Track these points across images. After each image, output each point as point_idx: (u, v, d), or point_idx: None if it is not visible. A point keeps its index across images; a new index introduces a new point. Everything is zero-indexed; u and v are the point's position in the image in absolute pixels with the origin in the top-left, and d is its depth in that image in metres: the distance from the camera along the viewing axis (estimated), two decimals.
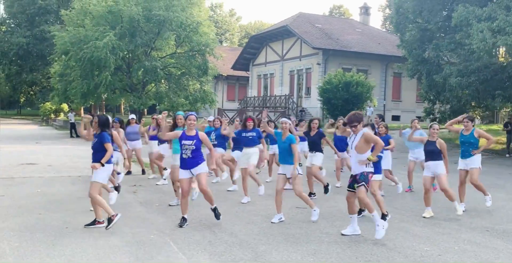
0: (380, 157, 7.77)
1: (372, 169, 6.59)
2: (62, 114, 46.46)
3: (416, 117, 21.07)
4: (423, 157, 8.94)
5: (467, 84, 15.98)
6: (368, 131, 6.76)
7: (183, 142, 7.01)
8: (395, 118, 38.36)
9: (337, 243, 6.23)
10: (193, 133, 7.07)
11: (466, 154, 8.69)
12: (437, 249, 6.06)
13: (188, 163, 7.02)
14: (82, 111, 59.08)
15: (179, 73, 28.42)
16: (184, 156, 7.02)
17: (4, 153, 16.48)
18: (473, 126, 8.93)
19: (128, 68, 27.55)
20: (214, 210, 7.18)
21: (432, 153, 8.12)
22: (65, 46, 25.83)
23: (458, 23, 16.07)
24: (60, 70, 28.04)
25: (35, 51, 47.67)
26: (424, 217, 7.82)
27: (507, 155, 18.68)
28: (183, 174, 7.08)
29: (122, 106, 56.77)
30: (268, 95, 41.16)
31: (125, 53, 26.31)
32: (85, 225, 6.82)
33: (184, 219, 7.05)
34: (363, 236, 6.57)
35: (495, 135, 23.18)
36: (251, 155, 9.16)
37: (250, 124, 9.35)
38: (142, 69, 25.56)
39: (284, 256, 5.67)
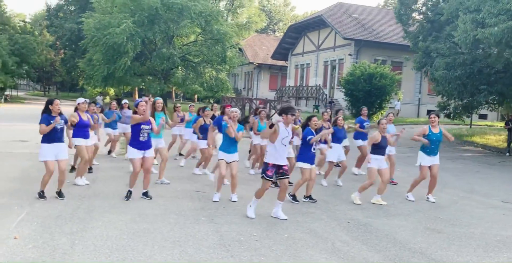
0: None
1: None
2: (108, 97, 48.66)
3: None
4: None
5: (453, 78, 15.29)
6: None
7: (142, 126, 7.63)
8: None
9: (134, 222, 6.42)
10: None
11: (435, 151, 8.69)
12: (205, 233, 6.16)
13: (145, 145, 7.72)
14: (136, 95, 61.32)
15: (197, 60, 29.02)
16: (141, 138, 7.65)
17: (15, 130, 17.80)
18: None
19: (150, 54, 28.48)
20: (145, 194, 7.82)
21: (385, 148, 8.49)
22: (90, 32, 27.14)
23: (448, 14, 15.40)
24: (89, 55, 29.45)
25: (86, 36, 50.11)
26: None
27: (506, 154, 17.73)
28: (137, 155, 7.66)
29: (174, 93, 58.30)
30: (304, 85, 41.01)
31: (145, 39, 27.19)
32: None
33: (130, 192, 7.74)
34: (175, 217, 6.77)
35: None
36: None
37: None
38: (160, 56, 26.31)
39: (74, 229, 5.93)
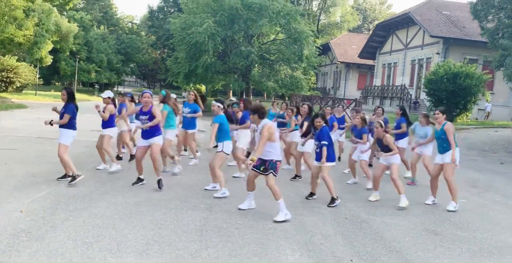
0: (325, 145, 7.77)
1: (280, 158, 6.89)
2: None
3: None
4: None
5: None
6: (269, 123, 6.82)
7: (140, 117, 8.38)
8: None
9: (136, 205, 6.87)
10: (147, 109, 8.17)
11: (440, 149, 8.28)
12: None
13: (146, 134, 8.18)
14: (230, 94, 63.38)
15: (273, 58, 29.47)
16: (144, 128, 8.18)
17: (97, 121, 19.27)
18: (445, 119, 8.52)
19: (229, 52, 29.42)
20: (158, 181, 8.09)
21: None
22: (176, 31, 28.64)
23: None
24: (176, 54, 31.06)
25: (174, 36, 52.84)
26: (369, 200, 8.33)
27: None
28: (142, 143, 8.24)
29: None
30: (390, 85, 39.87)
31: (226, 38, 28.15)
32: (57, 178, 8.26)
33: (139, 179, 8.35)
34: (178, 203, 7.09)
35: None
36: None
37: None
38: (239, 54, 27.11)
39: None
